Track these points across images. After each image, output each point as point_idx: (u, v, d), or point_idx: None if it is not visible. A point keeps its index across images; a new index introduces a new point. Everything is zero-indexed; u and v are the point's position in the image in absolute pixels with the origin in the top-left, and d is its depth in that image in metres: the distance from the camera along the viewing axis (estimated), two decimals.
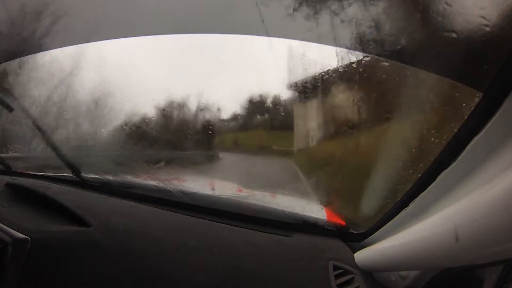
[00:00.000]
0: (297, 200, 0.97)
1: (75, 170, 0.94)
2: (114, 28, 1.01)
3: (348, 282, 0.63)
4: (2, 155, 1.10)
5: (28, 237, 0.65)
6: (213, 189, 1.05)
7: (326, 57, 0.91)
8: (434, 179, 0.55)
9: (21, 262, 0.63)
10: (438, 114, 0.68)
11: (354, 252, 0.70)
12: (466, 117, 0.50)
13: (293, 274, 0.63)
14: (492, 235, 0.32)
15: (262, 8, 0.74)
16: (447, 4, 0.55)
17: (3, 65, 1.17)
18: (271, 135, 1.38)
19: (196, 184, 1.03)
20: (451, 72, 0.60)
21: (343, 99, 1.07)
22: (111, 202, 0.86)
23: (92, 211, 0.76)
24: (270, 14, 0.76)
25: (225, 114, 1.34)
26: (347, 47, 0.81)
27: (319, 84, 1.02)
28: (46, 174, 1.03)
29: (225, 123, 1.37)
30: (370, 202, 0.82)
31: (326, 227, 0.81)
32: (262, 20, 0.76)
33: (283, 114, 1.27)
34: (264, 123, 1.41)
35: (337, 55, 0.88)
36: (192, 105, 1.30)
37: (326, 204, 0.95)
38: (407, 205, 0.62)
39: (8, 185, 0.89)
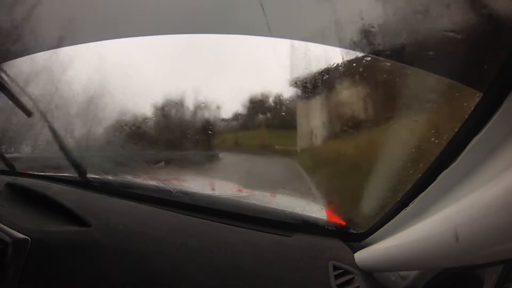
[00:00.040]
0: (297, 200, 0.96)
1: (81, 171, 0.94)
2: (114, 28, 1.01)
3: (348, 282, 0.63)
4: (7, 155, 1.10)
5: (28, 237, 0.65)
6: (213, 189, 1.05)
7: (326, 57, 0.91)
8: (434, 179, 0.55)
9: (21, 262, 0.63)
10: (438, 114, 0.68)
11: (354, 252, 0.70)
12: (466, 117, 0.50)
13: (293, 274, 0.63)
14: (492, 235, 0.32)
15: (264, 7, 0.74)
16: (447, 4, 0.55)
17: (3, 65, 1.17)
18: (272, 134, 1.38)
19: (196, 184, 1.03)
20: (451, 72, 0.60)
21: (343, 99, 1.07)
22: (111, 202, 0.86)
23: (92, 211, 0.76)
24: (272, 14, 0.76)
25: (226, 114, 1.34)
26: (347, 47, 0.81)
27: (319, 84, 1.02)
28: (46, 174, 1.03)
29: (226, 123, 1.37)
30: (370, 202, 0.82)
31: (326, 227, 0.81)
32: (266, 22, 0.76)
33: (283, 114, 1.27)
34: (265, 122, 1.41)
35: (337, 55, 0.88)
36: (193, 105, 1.30)
37: (326, 204, 0.95)
38: (407, 205, 0.62)
39: (8, 185, 0.89)
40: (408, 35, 0.67)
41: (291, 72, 1.02)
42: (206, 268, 0.63)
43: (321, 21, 0.80)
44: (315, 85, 1.02)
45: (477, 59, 0.55)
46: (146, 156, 1.21)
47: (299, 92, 1.12)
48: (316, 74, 0.98)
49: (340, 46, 0.83)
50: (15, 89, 0.99)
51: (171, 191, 0.87)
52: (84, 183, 0.94)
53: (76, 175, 0.97)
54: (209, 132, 1.30)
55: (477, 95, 0.49)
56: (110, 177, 0.97)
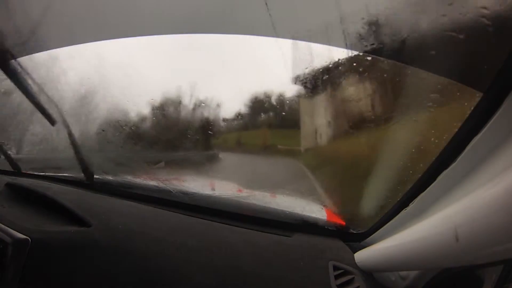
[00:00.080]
0: (297, 200, 0.96)
1: (89, 172, 0.93)
2: (114, 28, 1.01)
3: (348, 282, 0.63)
4: (13, 156, 1.10)
5: (28, 238, 0.65)
6: (213, 189, 1.05)
7: (327, 56, 0.91)
8: (434, 179, 0.55)
9: (21, 262, 0.63)
10: (438, 114, 0.68)
11: (354, 252, 0.70)
12: (466, 117, 0.50)
13: (293, 274, 0.63)
14: (492, 235, 0.32)
15: (269, 7, 0.74)
16: (447, 3, 0.55)
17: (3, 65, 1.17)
18: (273, 133, 1.38)
19: (196, 184, 1.03)
20: (451, 72, 0.60)
21: (342, 99, 1.07)
22: (111, 202, 0.86)
23: (92, 211, 0.76)
24: (274, 14, 0.76)
25: (227, 113, 1.34)
26: (347, 47, 0.81)
27: (318, 84, 1.02)
28: (46, 174, 1.03)
29: (227, 123, 1.37)
30: (370, 202, 0.82)
31: (326, 227, 0.81)
32: (272, 22, 0.76)
33: (284, 113, 1.27)
34: (266, 121, 1.41)
35: (337, 55, 0.88)
36: (193, 105, 1.30)
37: (326, 203, 0.95)
38: (407, 205, 0.62)
39: (8, 185, 0.89)
40: (408, 35, 0.67)
41: (292, 72, 1.02)
42: (206, 268, 0.63)
43: (320, 20, 0.80)
44: (315, 85, 1.02)
45: (477, 59, 0.55)
46: (146, 156, 1.21)
47: (298, 92, 1.12)
48: (316, 74, 0.98)
49: (341, 46, 0.83)
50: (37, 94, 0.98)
51: (171, 191, 0.87)
52: (84, 183, 0.94)
53: (77, 175, 0.97)
54: (209, 132, 1.30)
55: (477, 95, 0.49)
56: (110, 177, 0.97)
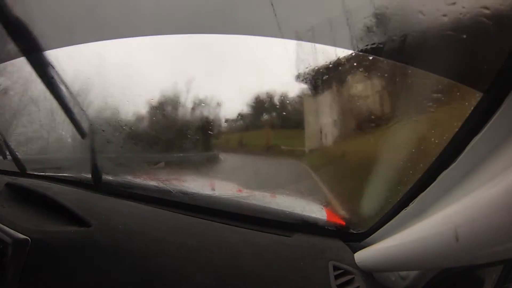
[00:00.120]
0: (297, 200, 0.97)
1: (95, 174, 0.94)
2: (115, 28, 1.01)
3: (348, 282, 0.63)
4: (21, 157, 1.10)
5: (28, 238, 0.65)
6: (213, 189, 1.05)
7: (327, 57, 0.91)
8: (434, 179, 0.55)
9: (21, 263, 0.63)
10: (438, 114, 0.68)
11: (354, 252, 0.70)
12: (466, 117, 0.50)
13: (293, 274, 0.63)
14: (492, 235, 0.32)
15: (274, 7, 0.74)
16: (447, 3, 0.55)
17: (3, 64, 1.17)
18: (272, 133, 1.38)
19: (196, 184, 1.03)
20: (451, 72, 0.60)
21: (342, 100, 1.07)
22: (111, 202, 0.85)
23: (92, 211, 0.76)
24: (279, 13, 0.76)
25: (229, 114, 1.33)
26: (348, 47, 0.81)
27: (318, 85, 1.02)
28: (46, 174, 1.03)
29: (227, 123, 1.36)
30: (370, 202, 0.82)
31: (326, 227, 0.81)
32: (277, 21, 0.76)
33: (284, 113, 1.27)
34: (267, 122, 1.41)
35: (337, 55, 0.88)
36: (194, 105, 1.30)
37: (326, 203, 0.95)
38: (407, 205, 0.62)
39: (8, 185, 0.89)
40: (408, 35, 0.67)
41: (294, 71, 1.02)
42: (206, 268, 0.63)
43: (323, 19, 0.80)
44: (315, 85, 1.02)
45: (477, 59, 0.55)
46: (146, 156, 1.21)
47: (298, 92, 1.12)
48: (316, 74, 0.98)
49: (342, 46, 0.83)
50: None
51: (171, 191, 0.87)
52: (84, 183, 0.94)
53: (77, 175, 0.97)
54: (210, 132, 1.30)
55: (477, 95, 0.49)
56: (110, 177, 0.97)
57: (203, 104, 1.30)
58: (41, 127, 1.20)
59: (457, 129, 0.52)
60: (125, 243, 0.68)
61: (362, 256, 0.67)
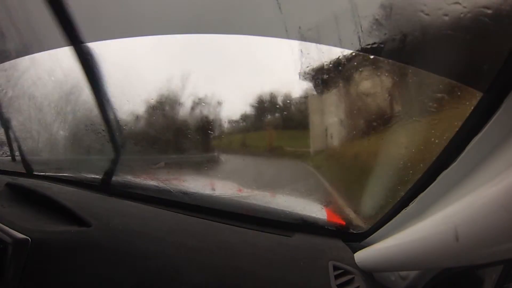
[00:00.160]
0: (297, 200, 0.96)
1: (97, 176, 0.94)
2: (114, 28, 1.00)
3: (348, 282, 0.63)
4: (30, 158, 1.10)
5: (28, 238, 0.65)
6: (213, 189, 1.05)
7: (328, 57, 0.91)
8: (434, 179, 0.55)
9: (21, 263, 0.63)
10: (438, 114, 0.68)
11: (354, 252, 0.70)
12: (466, 117, 0.50)
13: (293, 274, 0.63)
14: (492, 235, 0.32)
15: (281, 6, 0.74)
16: (448, 3, 0.55)
17: (3, 65, 1.17)
18: (274, 133, 1.38)
19: (196, 184, 1.03)
20: (451, 72, 0.60)
21: (342, 100, 1.07)
22: (111, 202, 0.85)
23: (92, 211, 0.76)
24: (285, 12, 0.76)
25: (230, 114, 1.33)
26: (348, 47, 0.81)
27: (319, 85, 1.02)
28: (47, 174, 1.03)
29: (227, 123, 1.36)
30: (370, 202, 0.82)
31: (326, 227, 0.81)
32: (284, 21, 0.76)
33: (285, 113, 1.27)
34: (268, 122, 1.40)
35: (337, 55, 0.88)
36: (196, 105, 1.30)
37: (326, 203, 0.95)
38: (407, 205, 0.62)
39: (8, 185, 0.89)
40: (409, 34, 0.67)
41: (292, 73, 1.02)
42: (206, 268, 0.63)
43: (324, 18, 0.80)
44: (315, 86, 1.02)
45: (477, 59, 0.55)
46: (146, 156, 1.21)
47: (296, 95, 1.12)
48: (315, 75, 0.98)
49: (341, 46, 0.83)
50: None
51: (171, 191, 0.88)
52: (84, 184, 0.94)
53: (77, 175, 0.97)
54: (210, 132, 1.30)
55: (477, 95, 0.49)
56: (110, 177, 0.97)
57: (203, 104, 1.30)
58: (43, 127, 1.20)
59: (457, 129, 0.52)
60: (125, 243, 0.68)
61: (362, 256, 0.67)
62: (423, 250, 0.43)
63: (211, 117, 1.28)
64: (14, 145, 1.09)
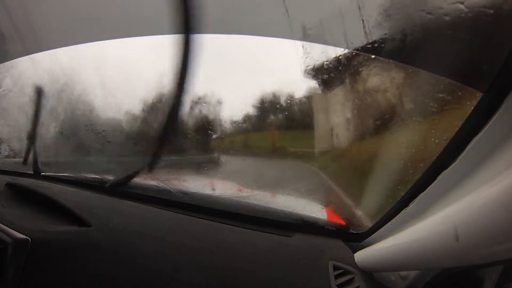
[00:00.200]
0: (297, 200, 0.96)
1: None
2: (114, 28, 1.01)
3: (348, 282, 0.63)
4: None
5: (28, 238, 0.65)
6: (213, 189, 1.05)
7: (327, 56, 0.91)
8: (434, 179, 0.55)
9: (21, 263, 0.63)
10: (438, 114, 0.68)
11: (354, 252, 0.70)
12: (466, 117, 0.50)
13: (293, 274, 0.63)
14: (492, 235, 0.32)
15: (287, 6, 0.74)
16: (449, 3, 0.55)
17: (3, 65, 1.17)
18: (274, 133, 1.37)
19: (196, 184, 1.03)
20: (451, 72, 0.60)
21: (342, 99, 1.07)
22: (111, 202, 0.85)
23: (92, 211, 0.76)
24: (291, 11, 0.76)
25: (232, 114, 1.32)
26: (349, 47, 0.81)
27: (319, 85, 1.02)
28: (47, 174, 1.03)
29: (231, 124, 1.36)
30: (370, 202, 0.82)
31: (326, 227, 0.81)
32: (289, 21, 0.76)
33: (286, 113, 1.27)
34: (269, 122, 1.40)
35: (337, 55, 0.88)
36: (197, 105, 1.29)
37: (326, 204, 0.95)
38: (407, 205, 0.62)
39: (8, 185, 0.89)
40: (409, 34, 0.67)
41: (295, 73, 1.02)
42: (206, 268, 0.63)
43: (321, 16, 0.80)
44: (319, 85, 1.02)
45: (477, 59, 0.55)
46: (146, 156, 1.21)
47: (298, 94, 1.12)
48: (315, 75, 0.98)
49: (342, 46, 0.83)
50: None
51: (171, 191, 0.87)
52: (84, 184, 0.94)
53: (77, 175, 0.97)
54: (211, 132, 1.30)
55: (477, 95, 0.49)
56: (110, 177, 0.97)
57: (204, 104, 1.30)
58: (42, 127, 1.20)
59: (457, 129, 0.52)
60: (125, 243, 0.68)
61: (362, 256, 0.67)
62: (423, 250, 0.43)
63: (213, 117, 1.28)
64: (15, 145, 1.09)
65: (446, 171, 0.53)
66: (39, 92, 1.09)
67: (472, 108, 0.49)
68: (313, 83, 1.03)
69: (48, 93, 1.13)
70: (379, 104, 0.92)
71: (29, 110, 1.11)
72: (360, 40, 0.76)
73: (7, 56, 1.12)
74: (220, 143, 1.37)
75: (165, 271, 0.63)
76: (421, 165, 0.62)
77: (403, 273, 0.61)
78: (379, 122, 0.88)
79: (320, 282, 0.62)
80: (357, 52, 0.81)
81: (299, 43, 0.90)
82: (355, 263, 0.67)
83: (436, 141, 0.60)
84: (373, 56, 0.80)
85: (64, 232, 0.69)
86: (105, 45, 1.02)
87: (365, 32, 0.73)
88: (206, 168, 1.32)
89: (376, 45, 0.74)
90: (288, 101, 1.23)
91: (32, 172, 1.03)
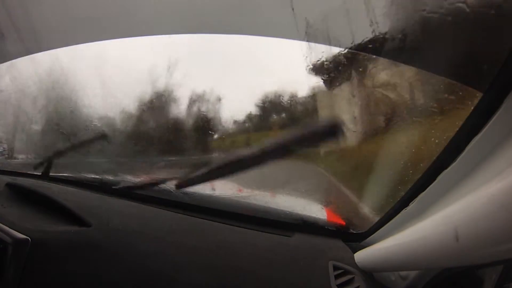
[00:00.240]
0: (297, 200, 0.96)
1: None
2: (114, 28, 1.00)
3: (348, 282, 0.63)
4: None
5: (28, 238, 0.65)
6: (213, 189, 1.05)
7: (327, 56, 0.91)
8: (434, 179, 0.55)
9: (21, 263, 0.63)
10: (438, 114, 0.68)
11: (354, 252, 0.70)
12: (466, 117, 0.50)
13: (293, 274, 0.63)
14: (492, 235, 0.32)
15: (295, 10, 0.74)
16: (448, 3, 0.55)
17: (3, 65, 1.17)
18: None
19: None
20: (451, 72, 0.60)
21: (342, 99, 1.07)
22: (111, 202, 0.85)
23: (92, 211, 0.76)
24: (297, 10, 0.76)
25: (233, 114, 1.32)
26: (346, 47, 0.81)
27: (319, 87, 1.02)
28: (47, 174, 1.03)
29: (232, 124, 1.36)
30: (370, 202, 0.82)
31: (326, 227, 0.81)
32: (295, 20, 0.76)
33: (287, 113, 1.27)
34: (270, 122, 1.40)
35: (338, 55, 0.88)
36: (196, 106, 1.30)
37: (326, 203, 0.95)
38: (407, 205, 0.62)
39: (8, 185, 0.89)
40: (409, 34, 0.67)
41: (299, 72, 1.02)
42: (206, 268, 0.63)
43: (320, 17, 0.80)
44: (317, 87, 1.02)
45: (477, 59, 0.55)
46: (146, 156, 1.21)
47: (295, 96, 1.12)
48: (316, 74, 0.98)
49: (342, 46, 0.83)
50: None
51: (171, 191, 0.87)
52: (84, 184, 0.94)
53: (77, 175, 0.97)
54: (211, 132, 1.30)
55: (477, 95, 0.49)
56: (110, 177, 0.97)
57: (204, 104, 1.30)
58: (42, 127, 1.20)
59: (457, 129, 0.52)
60: (125, 243, 0.68)
61: (362, 256, 0.67)
62: (423, 250, 0.43)
63: (212, 116, 1.28)
64: (15, 145, 1.09)
65: (446, 171, 0.53)
66: (38, 92, 1.09)
67: (472, 108, 0.49)
68: (314, 83, 1.03)
69: (47, 93, 1.13)
70: (379, 104, 0.92)
71: (29, 110, 1.11)
72: (360, 40, 0.76)
73: (7, 56, 1.12)
74: (220, 143, 1.36)
75: (165, 271, 0.63)
76: (421, 165, 0.62)
77: (403, 273, 0.61)
78: (379, 122, 0.88)
79: (320, 282, 0.62)
80: (358, 52, 0.81)
81: (303, 43, 0.90)
82: (355, 263, 0.67)
83: (436, 141, 0.60)
84: (373, 56, 0.80)
85: (64, 232, 0.69)
86: (105, 45, 1.02)
87: (367, 31, 0.73)
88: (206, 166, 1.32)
89: (376, 45, 0.74)
90: (289, 101, 1.23)
91: (32, 172, 1.03)
